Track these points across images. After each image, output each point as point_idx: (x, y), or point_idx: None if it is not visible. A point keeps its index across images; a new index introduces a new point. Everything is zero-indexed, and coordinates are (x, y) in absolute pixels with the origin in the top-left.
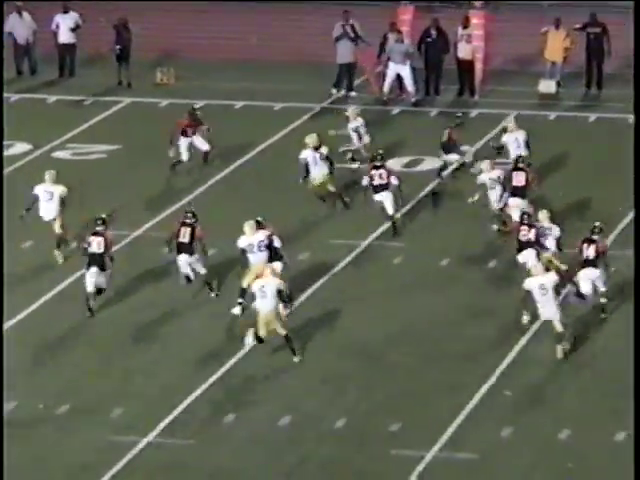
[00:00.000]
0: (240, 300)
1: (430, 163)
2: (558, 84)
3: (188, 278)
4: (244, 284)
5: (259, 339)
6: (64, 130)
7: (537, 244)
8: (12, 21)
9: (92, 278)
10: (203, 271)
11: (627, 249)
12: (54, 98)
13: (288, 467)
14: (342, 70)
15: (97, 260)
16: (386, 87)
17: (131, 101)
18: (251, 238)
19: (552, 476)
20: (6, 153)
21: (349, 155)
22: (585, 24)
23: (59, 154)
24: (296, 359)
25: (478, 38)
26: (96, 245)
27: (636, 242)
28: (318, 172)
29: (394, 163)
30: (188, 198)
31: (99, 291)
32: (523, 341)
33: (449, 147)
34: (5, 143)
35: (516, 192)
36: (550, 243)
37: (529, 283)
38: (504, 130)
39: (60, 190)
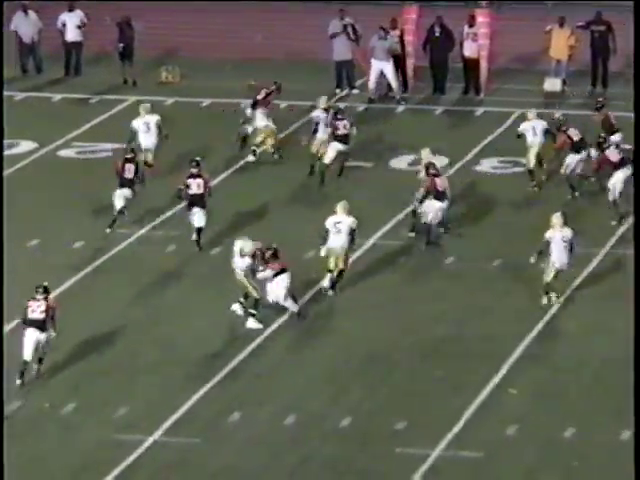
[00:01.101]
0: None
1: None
2: (563, 82)
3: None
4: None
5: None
6: (69, 128)
7: None
8: (17, 19)
9: (194, 216)
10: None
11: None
12: (59, 96)
13: (291, 466)
14: (340, 68)
15: (198, 200)
16: (371, 84)
17: (136, 99)
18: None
19: (557, 474)
20: (11, 152)
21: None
22: (589, 22)
23: (64, 152)
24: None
25: (483, 36)
26: (196, 186)
27: (636, 243)
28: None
29: (398, 162)
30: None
31: (199, 230)
32: (527, 340)
33: None
34: (10, 141)
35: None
36: None
37: (550, 234)
38: (524, 118)
39: (155, 119)
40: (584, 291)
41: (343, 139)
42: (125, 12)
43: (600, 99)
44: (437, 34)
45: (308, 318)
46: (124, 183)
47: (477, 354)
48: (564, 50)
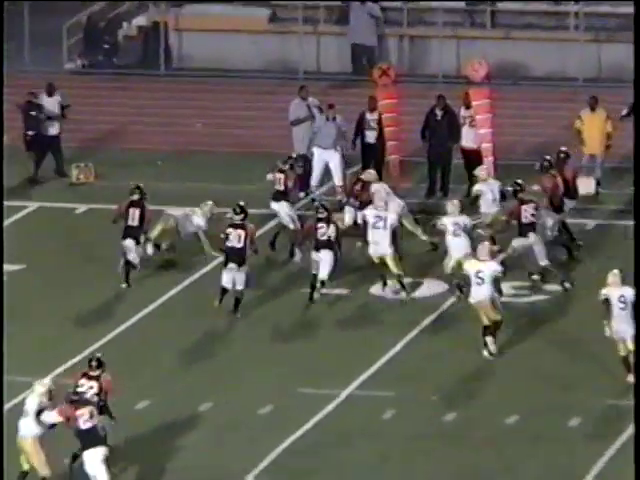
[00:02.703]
0: None
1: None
2: (598, 183)
3: None
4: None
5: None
6: None
7: None
8: None
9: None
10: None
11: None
12: None
13: None
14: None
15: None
16: (314, 180)
17: (39, 206)
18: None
19: None
20: None
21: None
22: (632, 106)
23: None
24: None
25: (483, 123)
26: (236, 238)
27: (636, 244)
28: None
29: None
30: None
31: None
32: None
33: None
34: None
35: None
36: None
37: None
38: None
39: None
40: None
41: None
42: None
43: (548, 157)
44: (438, 117)
45: None
46: (128, 232)
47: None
48: (598, 141)
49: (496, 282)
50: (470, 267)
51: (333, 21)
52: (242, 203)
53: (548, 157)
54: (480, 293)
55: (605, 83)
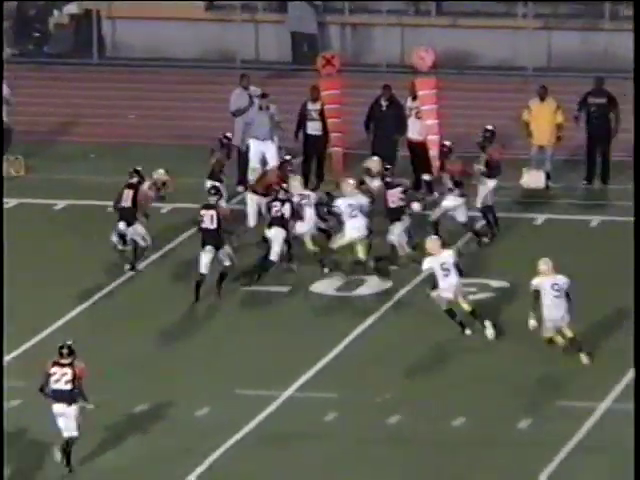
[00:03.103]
0: None
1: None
2: (547, 176)
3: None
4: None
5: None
6: None
7: None
8: None
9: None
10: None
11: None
12: None
13: None
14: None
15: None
16: (252, 174)
17: None
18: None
19: None
20: None
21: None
22: (586, 94)
23: None
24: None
25: (429, 114)
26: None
27: (636, 245)
28: None
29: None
30: None
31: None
32: None
33: None
34: None
35: None
36: None
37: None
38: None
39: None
40: None
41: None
42: None
43: (489, 127)
44: (384, 108)
45: None
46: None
47: None
48: (547, 133)
49: (457, 266)
50: (431, 262)
51: (272, 9)
52: (217, 184)
53: (447, 143)
54: (449, 283)
55: (555, 72)
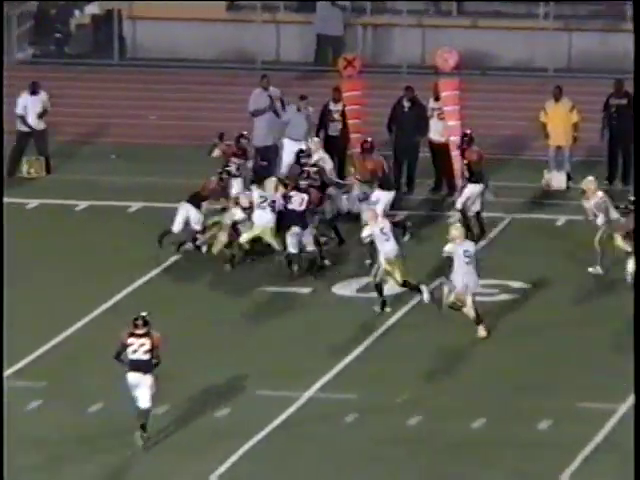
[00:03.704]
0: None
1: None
2: (569, 177)
3: None
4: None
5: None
6: None
7: None
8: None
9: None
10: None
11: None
12: None
13: None
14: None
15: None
16: (284, 169)
17: None
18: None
19: None
20: None
21: None
22: (608, 97)
23: None
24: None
25: (452, 115)
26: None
27: (636, 244)
28: None
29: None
30: None
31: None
32: None
33: None
34: None
35: None
36: None
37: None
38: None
39: None
40: None
41: None
42: None
43: (468, 131)
44: (406, 109)
45: None
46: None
47: None
48: (563, 133)
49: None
50: (371, 228)
51: (293, 9)
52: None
53: (468, 131)
54: (389, 248)
55: (575, 73)
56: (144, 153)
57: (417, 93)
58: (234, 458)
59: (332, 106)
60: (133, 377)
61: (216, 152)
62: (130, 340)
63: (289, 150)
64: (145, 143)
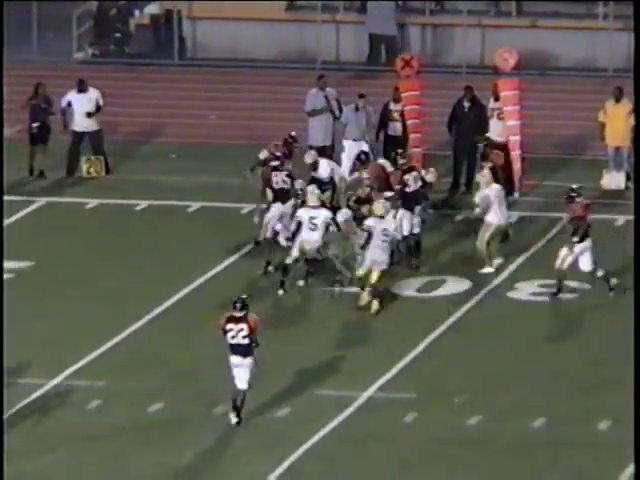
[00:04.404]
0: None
1: (453, 286)
2: (628, 177)
3: None
4: None
5: None
6: None
7: None
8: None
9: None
10: None
11: None
12: None
13: None
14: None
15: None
16: (346, 172)
17: (46, 202)
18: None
19: None
20: None
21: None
22: None
23: None
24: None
25: (512, 115)
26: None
27: (636, 243)
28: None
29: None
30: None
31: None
32: None
33: None
34: None
35: None
36: None
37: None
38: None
39: None
40: None
41: None
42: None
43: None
44: (466, 109)
45: None
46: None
47: None
48: (623, 133)
49: (327, 229)
50: (304, 213)
51: (353, 9)
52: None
53: (487, 135)
54: (312, 238)
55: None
56: (204, 153)
57: (477, 93)
58: (293, 458)
59: (392, 106)
60: (235, 359)
61: (262, 154)
62: (229, 326)
63: (349, 152)
64: (205, 143)
